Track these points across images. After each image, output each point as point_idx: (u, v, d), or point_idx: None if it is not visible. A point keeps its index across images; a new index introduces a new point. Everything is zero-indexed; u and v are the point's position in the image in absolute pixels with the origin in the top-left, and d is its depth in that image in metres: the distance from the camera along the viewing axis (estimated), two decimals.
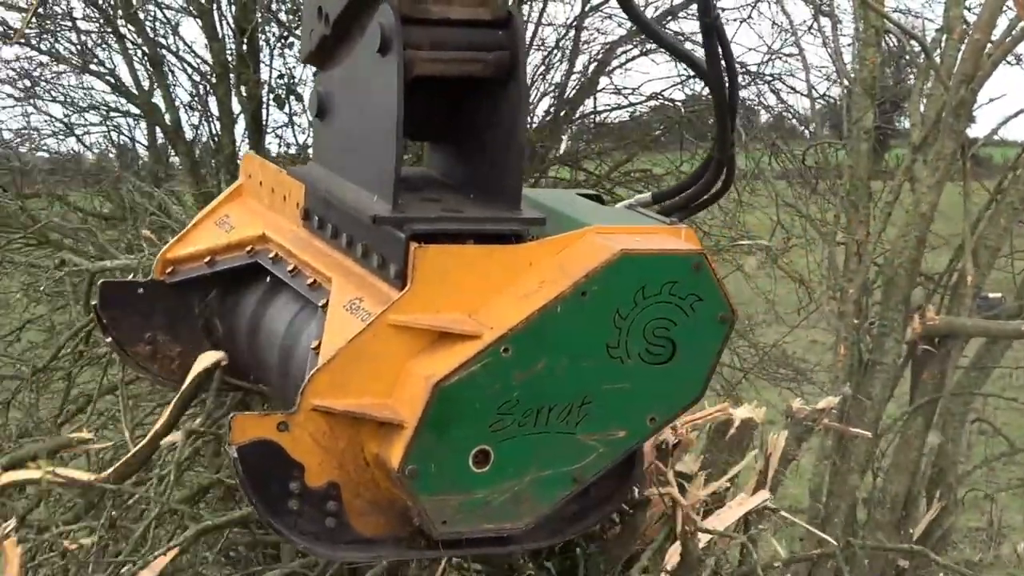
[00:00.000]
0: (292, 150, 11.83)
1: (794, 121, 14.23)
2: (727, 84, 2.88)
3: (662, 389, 2.67)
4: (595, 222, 2.72)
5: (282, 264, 3.14)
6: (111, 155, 12.69)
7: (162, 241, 8.46)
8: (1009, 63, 10.87)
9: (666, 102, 12.60)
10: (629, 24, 11.72)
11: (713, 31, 2.83)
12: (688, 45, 12.29)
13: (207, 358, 6.15)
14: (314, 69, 3.17)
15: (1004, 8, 9.32)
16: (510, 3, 2.79)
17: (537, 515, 2.69)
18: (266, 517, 2.62)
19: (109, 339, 3.56)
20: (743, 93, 13.29)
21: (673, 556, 6.25)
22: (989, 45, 9.27)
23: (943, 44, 9.69)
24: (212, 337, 3.58)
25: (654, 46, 12.20)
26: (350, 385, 2.56)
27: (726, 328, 2.66)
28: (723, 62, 2.85)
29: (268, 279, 3.27)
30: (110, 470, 6.17)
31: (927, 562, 8.18)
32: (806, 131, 13.83)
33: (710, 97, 3.01)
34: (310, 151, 11.42)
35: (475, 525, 2.65)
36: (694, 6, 12.21)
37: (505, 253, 2.63)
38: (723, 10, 11.81)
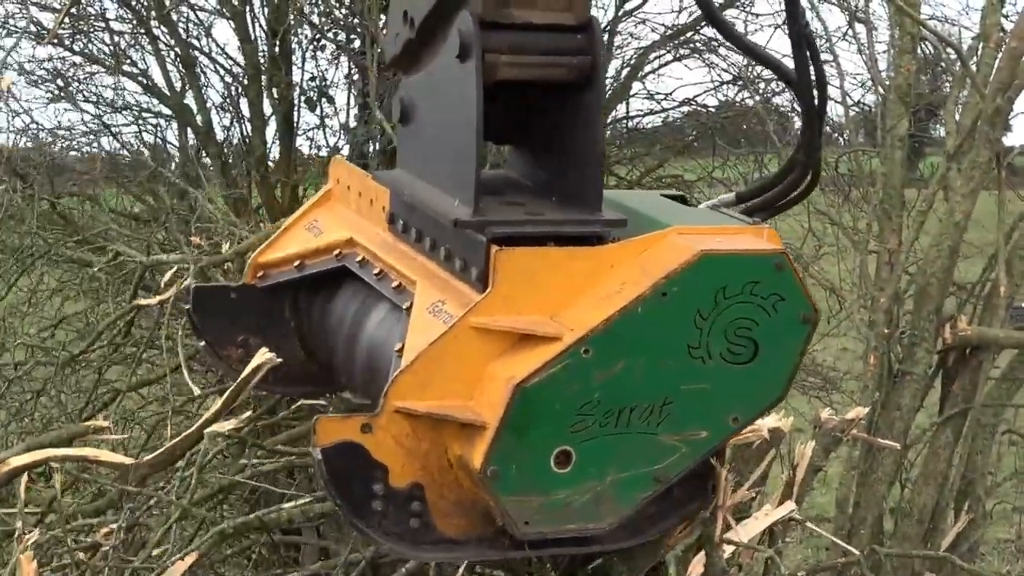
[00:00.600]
0: (323, 152, 11.85)
1: (828, 128, 14.14)
2: (815, 89, 2.89)
3: (744, 389, 2.67)
4: (676, 223, 2.72)
5: (368, 267, 3.19)
6: (145, 153, 12.71)
7: (210, 243, 8.50)
8: None
9: (699, 108, 12.56)
10: (663, 29, 11.69)
11: (803, 39, 2.85)
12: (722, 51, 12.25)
13: (260, 356, 6.20)
14: (354, 73, 3.20)
15: None
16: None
17: (619, 516, 2.69)
18: (350, 518, 2.64)
19: (203, 343, 3.62)
20: (777, 100, 13.23)
21: (696, 567, 6.20)
22: None
23: (979, 52, 9.60)
24: (303, 339, 3.63)
25: (688, 51, 12.17)
26: (432, 387, 2.59)
27: (809, 328, 2.66)
28: (812, 68, 2.86)
29: (355, 282, 3.31)
30: (150, 456, 6.20)
31: (953, 572, 8.12)
32: (840, 138, 13.75)
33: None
34: (342, 152, 11.48)
35: (557, 526, 2.66)
36: (729, 12, 12.17)
37: (586, 255, 2.65)
38: (756, 15, 11.76)
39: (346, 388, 3.64)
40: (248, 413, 6.70)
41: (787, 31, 2.86)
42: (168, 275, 7.33)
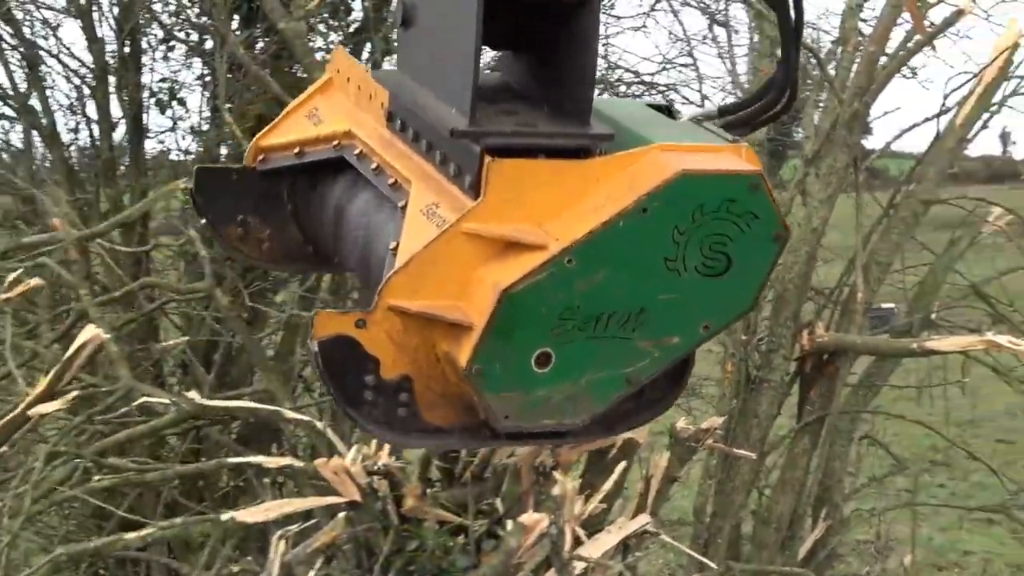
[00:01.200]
0: (175, 156, 11.59)
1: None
2: (793, 10, 3.04)
3: (716, 300, 2.84)
4: (660, 139, 2.85)
5: (366, 161, 3.30)
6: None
7: (75, 227, 8.20)
8: (904, 76, 10.84)
9: None
10: None
11: None
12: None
13: (86, 333, 6.01)
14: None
15: (899, 21, 9.28)
16: None
17: (593, 413, 2.87)
18: (343, 406, 2.82)
19: (204, 220, 3.73)
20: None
21: None
22: (884, 57, 9.21)
23: (838, 56, 9.63)
24: (300, 222, 3.79)
25: None
26: (424, 288, 2.76)
27: (779, 245, 2.83)
28: None
29: (352, 173, 3.44)
30: None
31: None
32: None
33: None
34: (192, 153, 11.16)
35: (536, 421, 2.84)
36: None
37: (574, 168, 2.80)
38: (618, 18, 11.68)
39: (341, 269, 3.82)
40: (76, 393, 6.54)
41: None
42: (11, 276, 7.10)
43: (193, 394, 6.99)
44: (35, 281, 7.20)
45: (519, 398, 2.78)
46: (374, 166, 3.25)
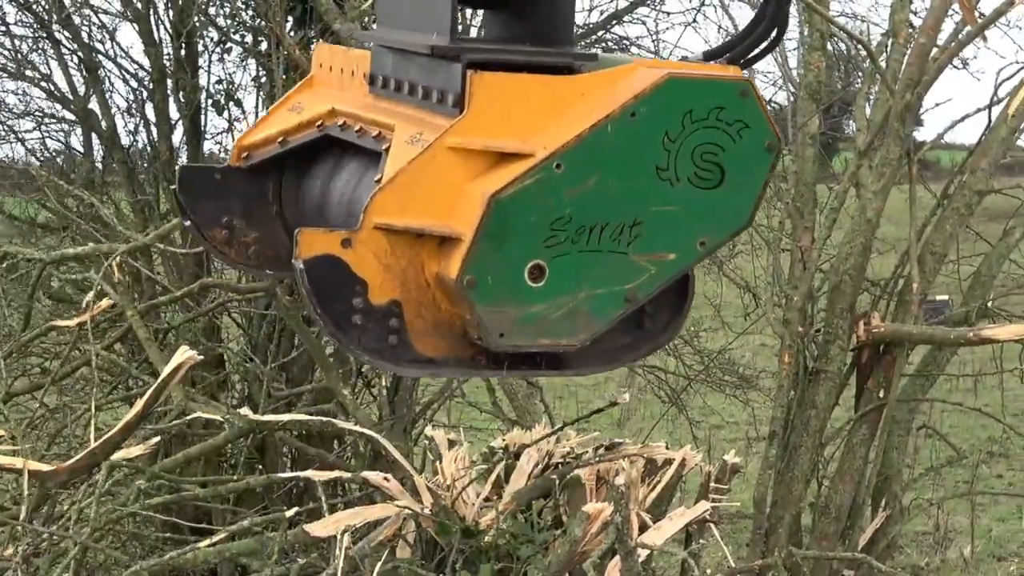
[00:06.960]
0: None
1: None
2: None
3: (711, 214, 2.81)
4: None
5: (350, 129, 3.27)
6: (57, 160, 12.47)
7: (126, 276, 8.29)
8: (955, 67, 10.83)
9: None
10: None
11: None
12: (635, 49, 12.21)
13: (179, 355, 6.09)
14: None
15: (950, 12, 9.29)
16: None
17: (592, 332, 2.80)
18: (331, 330, 2.75)
19: (188, 222, 3.65)
20: None
21: (613, 572, 6.16)
22: (935, 49, 9.21)
23: (889, 48, 9.63)
24: (286, 223, 3.68)
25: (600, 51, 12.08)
26: (411, 204, 2.71)
27: (773, 156, 2.81)
28: None
29: (337, 155, 3.41)
30: (68, 463, 6.09)
31: (871, 570, 8.11)
32: None
33: None
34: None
35: (532, 339, 2.77)
36: (640, 10, 12.11)
37: (559, 82, 2.77)
38: (668, 14, 11.71)
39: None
40: (156, 439, 6.62)
41: None
42: (91, 294, 7.20)
43: (246, 410, 7.09)
44: (106, 302, 7.30)
45: (514, 313, 2.73)
46: (358, 129, 3.21)
